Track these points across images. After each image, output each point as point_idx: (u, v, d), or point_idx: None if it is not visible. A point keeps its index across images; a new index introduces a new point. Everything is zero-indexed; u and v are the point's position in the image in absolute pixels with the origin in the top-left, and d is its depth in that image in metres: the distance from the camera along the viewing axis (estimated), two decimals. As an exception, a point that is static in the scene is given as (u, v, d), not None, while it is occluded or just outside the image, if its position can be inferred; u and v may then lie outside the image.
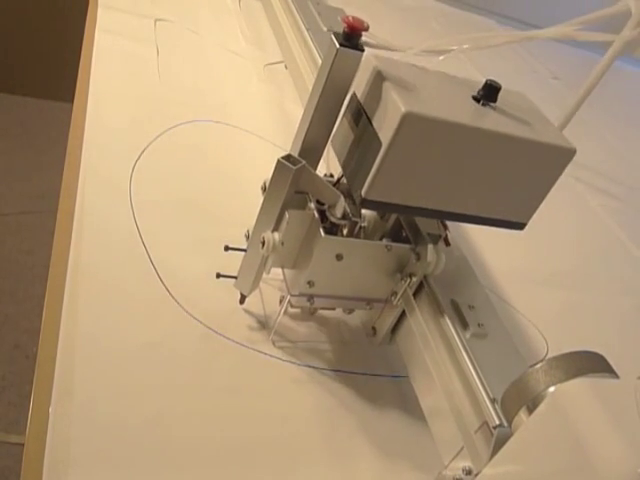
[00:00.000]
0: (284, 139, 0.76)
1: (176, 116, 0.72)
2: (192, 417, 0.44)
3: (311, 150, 0.47)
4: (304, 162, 0.44)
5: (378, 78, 0.41)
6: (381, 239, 0.48)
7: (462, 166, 0.41)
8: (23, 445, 0.39)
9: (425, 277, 0.47)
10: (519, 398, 0.34)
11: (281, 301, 0.51)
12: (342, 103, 0.45)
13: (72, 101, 0.69)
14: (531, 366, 0.33)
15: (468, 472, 0.39)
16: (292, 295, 0.48)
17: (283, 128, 0.79)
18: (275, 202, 0.45)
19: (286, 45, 0.79)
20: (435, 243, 0.46)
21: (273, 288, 0.56)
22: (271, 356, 0.50)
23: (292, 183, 0.44)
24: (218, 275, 0.51)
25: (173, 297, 0.51)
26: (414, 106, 0.38)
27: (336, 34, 0.42)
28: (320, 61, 0.65)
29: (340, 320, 0.56)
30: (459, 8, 1.53)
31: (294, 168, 0.43)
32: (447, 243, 0.48)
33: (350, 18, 0.41)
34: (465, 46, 0.52)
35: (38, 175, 1.72)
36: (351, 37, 0.42)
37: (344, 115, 0.46)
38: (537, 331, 0.64)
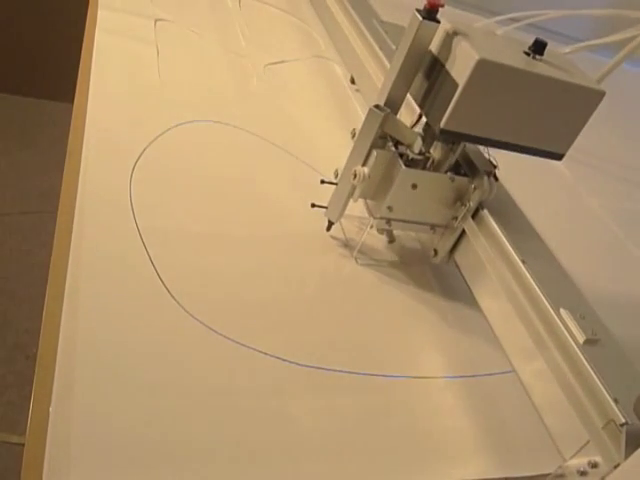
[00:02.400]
0: (284, 139, 0.76)
1: (176, 116, 0.72)
2: (192, 417, 0.44)
3: (393, 101, 0.58)
4: (389, 110, 0.56)
5: (450, 35, 0.53)
6: (445, 173, 0.59)
7: (519, 103, 0.52)
8: (23, 445, 0.39)
9: (480, 204, 0.58)
10: None
11: (362, 228, 0.65)
12: (420, 64, 0.56)
13: (72, 101, 0.69)
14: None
15: (594, 465, 0.43)
16: (375, 218, 0.60)
17: (283, 128, 0.79)
18: (365, 142, 0.57)
19: (358, 64, 0.88)
20: (486, 175, 0.57)
21: (349, 220, 0.67)
22: (274, 357, 0.51)
23: (380, 126, 0.56)
24: (313, 205, 0.63)
25: (173, 297, 0.51)
26: (485, 54, 0.49)
27: (418, 10, 0.54)
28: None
29: (401, 245, 0.68)
30: (459, 8, 1.53)
31: (382, 114, 0.56)
32: (496, 178, 0.58)
33: None
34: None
35: (38, 175, 1.72)
36: (431, 12, 0.53)
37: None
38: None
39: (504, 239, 0.55)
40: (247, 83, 0.86)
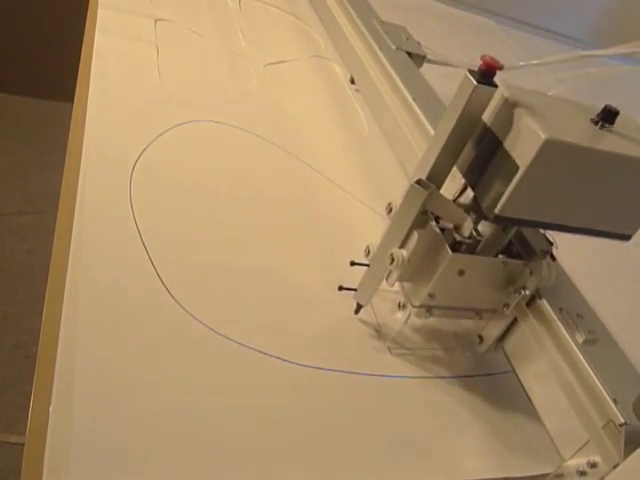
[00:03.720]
0: (284, 139, 0.76)
1: (176, 116, 0.72)
2: (193, 416, 0.44)
3: (438, 174, 0.50)
4: (434, 186, 0.49)
5: (509, 104, 0.46)
6: (496, 255, 0.52)
7: (587, 184, 0.46)
8: (23, 445, 0.39)
9: (538, 291, 0.51)
10: None
11: (400, 308, 0.58)
12: (472, 133, 0.49)
13: (72, 101, 0.69)
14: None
15: (593, 465, 0.43)
16: (414, 306, 0.52)
17: (283, 128, 0.79)
18: (404, 222, 0.50)
19: (358, 64, 0.86)
20: (544, 258, 0.51)
21: (382, 300, 0.59)
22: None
23: (423, 205, 0.48)
24: (340, 288, 0.56)
25: (173, 297, 0.51)
26: (552, 132, 0.42)
27: (471, 72, 0.46)
28: (395, 77, 0.75)
29: (443, 329, 0.60)
30: (459, 8, 1.53)
31: (426, 192, 0.48)
32: (553, 258, 0.52)
33: (488, 58, 0.46)
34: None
35: (38, 175, 1.72)
36: (487, 74, 0.46)
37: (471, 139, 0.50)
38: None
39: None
40: (247, 83, 0.86)
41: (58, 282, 0.49)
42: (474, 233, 0.51)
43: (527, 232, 0.53)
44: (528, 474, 0.50)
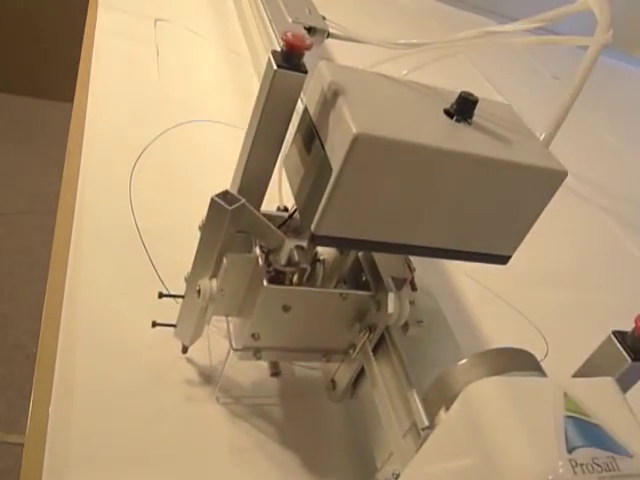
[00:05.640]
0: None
1: (176, 116, 0.72)
2: (193, 416, 0.44)
3: (254, 183, 0.40)
4: (243, 200, 0.37)
5: (331, 92, 0.35)
6: (338, 284, 0.43)
7: (428, 193, 0.35)
8: (23, 445, 0.39)
9: (387, 329, 0.41)
10: (439, 397, 0.33)
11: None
12: (286, 129, 0.38)
13: (72, 101, 0.69)
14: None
15: (398, 476, 0.38)
16: (235, 349, 0.42)
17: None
18: (211, 246, 0.39)
19: (250, 39, 0.74)
20: (399, 289, 0.40)
21: (222, 334, 0.48)
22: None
23: (230, 225, 0.38)
24: (154, 324, 0.45)
25: (170, 293, 0.51)
26: (368, 126, 0.32)
27: (275, 53, 0.36)
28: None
29: (300, 372, 0.50)
30: (459, 8, 1.53)
31: (230, 208, 0.37)
32: (413, 287, 0.42)
33: (290, 35, 0.35)
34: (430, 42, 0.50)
35: (38, 175, 1.72)
36: (291, 57, 0.35)
37: (295, 136, 0.40)
38: (537, 331, 0.64)
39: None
40: (247, 83, 0.86)
41: (58, 282, 0.49)
42: (295, 259, 0.40)
43: (380, 257, 0.42)
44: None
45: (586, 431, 0.27)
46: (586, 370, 0.37)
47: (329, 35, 0.75)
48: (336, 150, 0.34)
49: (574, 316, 0.70)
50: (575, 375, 0.36)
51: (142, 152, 0.65)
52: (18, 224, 1.60)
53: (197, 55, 0.88)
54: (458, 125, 0.36)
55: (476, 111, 0.37)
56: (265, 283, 0.39)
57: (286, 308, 0.40)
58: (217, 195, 0.38)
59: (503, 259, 0.40)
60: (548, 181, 0.37)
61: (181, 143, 0.70)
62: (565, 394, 0.29)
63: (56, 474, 0.38)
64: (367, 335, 0.41)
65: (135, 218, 0.57)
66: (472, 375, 0.31)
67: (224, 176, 0.71)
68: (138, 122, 0.70)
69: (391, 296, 0.39)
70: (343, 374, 0.45)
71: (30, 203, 1.66)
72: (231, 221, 0.37)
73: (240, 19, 0.94)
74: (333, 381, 0.46)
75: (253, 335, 0.41)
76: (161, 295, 0.46)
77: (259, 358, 0.43)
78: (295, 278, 0.42)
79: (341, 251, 0.43)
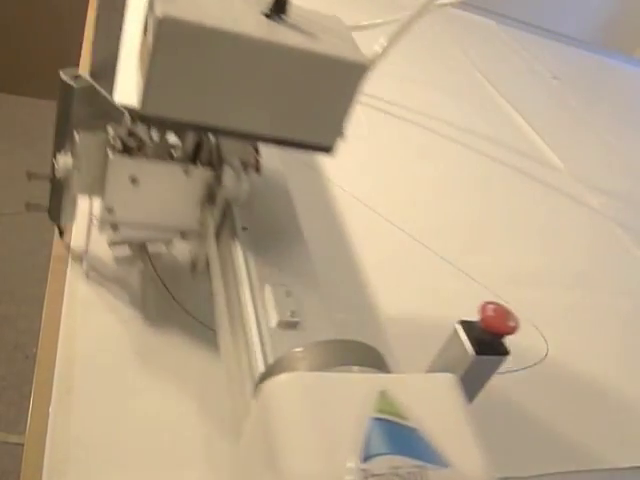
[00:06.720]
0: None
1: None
2: (194, 415, 0.44)
3: (104, 64, 0.44)
4: (88, 79, 0.41)
5: None
6: (185, 162, 0.45)
7: (239, 80, 0.38)
8: (23, 445, 0.39)
9: (230, 207, 0.42)
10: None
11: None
12: (123, 9, 0.42)
13: (72, 101, 0.69)
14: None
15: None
16: (97, 223, 0.45)
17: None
18: (65, 122, 0.41)
19: None
20: (244, 169, 0.42)
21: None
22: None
23: (78, 103, 0.40)
24: (28, 206, 0.47)
25: (173, 296, 0.51)
26: (174, 11, 0.35)
27: None
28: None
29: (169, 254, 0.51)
30: (459, 8, 1.53)
31: (76, 86, 0.40)
32: (257, 169, 0.44)
33: None
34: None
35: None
36: None
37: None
38: (537, 331, 0.64)
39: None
40: None
41: (58, 282, 0.49)
42: (134, 131, 0.43)
43: (227, 142, 0.44)
44: (528, 474, 0.50)
45: (396, 436, 0.24)
46: (435, 365, 0.33)
47: None
48: (150, 33, 0.37)
49: (574, 316, 0.70)
50: (428, 371, 0.33)
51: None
52: (18, 224, 1.60)
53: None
54: (271, 22, 0.39)
55: (298, 17, 0.40)
56: (110, 155, 0.41)
57: (134, 180, 0.43)
58: (63, 71, 0.41)
59: (326, 149, 0.42)
60: (348, 72, 0.39)
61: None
62: (382, 393, 0.25)
63: (56, 474, 0.38)
64: (210, 211, 0.43)
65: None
66: (300, 366, 0.28)
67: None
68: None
69: (226, 169, 0.42)
70: (199, 253, 0.47)
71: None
72: (80, 99, 0.41)
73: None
74: (193, 262, 0.48)
75: (108, 209, 0.44)
76: (30, 176, 0.49)
77: (117, 232, 0.45)
78: (138, 153, 0.44)
79: (178, 135, 0.45)
